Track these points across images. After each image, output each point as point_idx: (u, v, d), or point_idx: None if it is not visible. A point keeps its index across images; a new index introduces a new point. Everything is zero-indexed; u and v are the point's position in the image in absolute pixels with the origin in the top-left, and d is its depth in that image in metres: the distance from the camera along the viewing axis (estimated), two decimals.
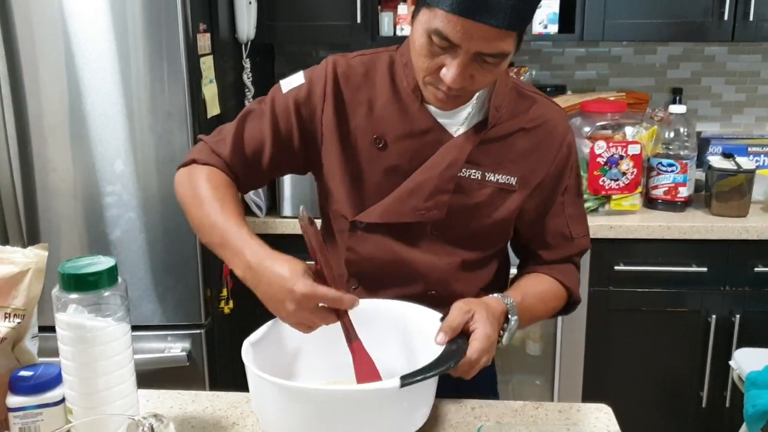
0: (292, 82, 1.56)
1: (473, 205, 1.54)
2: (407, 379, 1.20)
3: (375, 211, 1.54)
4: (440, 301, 1.48)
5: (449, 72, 1.32)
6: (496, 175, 1.53)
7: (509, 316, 1.45)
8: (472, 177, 1.52)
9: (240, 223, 1.40)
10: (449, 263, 1.57)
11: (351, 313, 1.33)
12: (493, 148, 1.52)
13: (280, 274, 1.27)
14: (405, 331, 1.47)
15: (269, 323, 1.43)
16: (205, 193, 1.47)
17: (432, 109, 1.50)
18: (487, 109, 1.50)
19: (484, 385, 1.65)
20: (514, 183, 1.54)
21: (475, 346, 1.33)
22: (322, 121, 1.54)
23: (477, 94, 1.49)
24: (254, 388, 1.29)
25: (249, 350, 1.33)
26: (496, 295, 1.48)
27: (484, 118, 1.51)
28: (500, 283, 1.69)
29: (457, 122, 1.51)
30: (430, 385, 1.33)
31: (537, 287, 1.60)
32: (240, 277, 1.34)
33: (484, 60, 1.31)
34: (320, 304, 1.28)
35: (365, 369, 1.34)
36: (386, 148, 1.52)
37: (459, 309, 1.38)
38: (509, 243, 1.70)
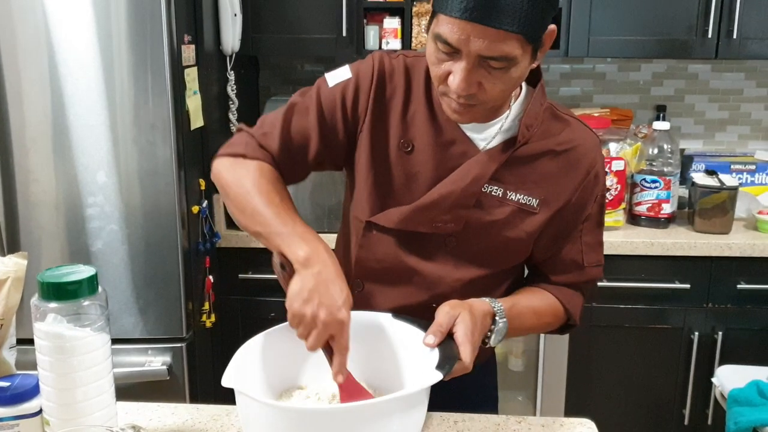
0: (339, 76, 1.55)
1: (491, 222, 1.51)
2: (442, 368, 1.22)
3: (392, 217, 1.53)
4: None
5: (455, 78, 1.31)
6: (518, 194, 1.50)
7: (497, 318, 1.43)
8: (493, 194, 1.50)
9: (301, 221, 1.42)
10: (458, 279, 1.55)
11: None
12: (518, 167, 1.50)
13: (341, 288, 1.30)
14: (395, 347, 1.45)
15: (256, 337, 1.40)
16: (263, 186, 1.46)
17: None
18: (518, 127, 1.49)
19: (485, 402, 1.65)
20: (535, 205, 1.51)
21: (465, 350, 1.31)
22: (365, 116, 1.53)
23: (508, 112, 1.49)
24: (239, 403, 1.27)
25: (234, 365, 1.30)
26: (483, 298, 1.45)
27: (514, 135, 1.49)
28: None
29: (486, 137, 1.49)
30: (423, 403, 1.30)
31: (531, 300, 1.57)
32: (298, 256, 1.33)
33: (490, 65, 1.29)
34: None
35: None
36: (412, 152, 1.51)
37: (446, 313, 1.36)
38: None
